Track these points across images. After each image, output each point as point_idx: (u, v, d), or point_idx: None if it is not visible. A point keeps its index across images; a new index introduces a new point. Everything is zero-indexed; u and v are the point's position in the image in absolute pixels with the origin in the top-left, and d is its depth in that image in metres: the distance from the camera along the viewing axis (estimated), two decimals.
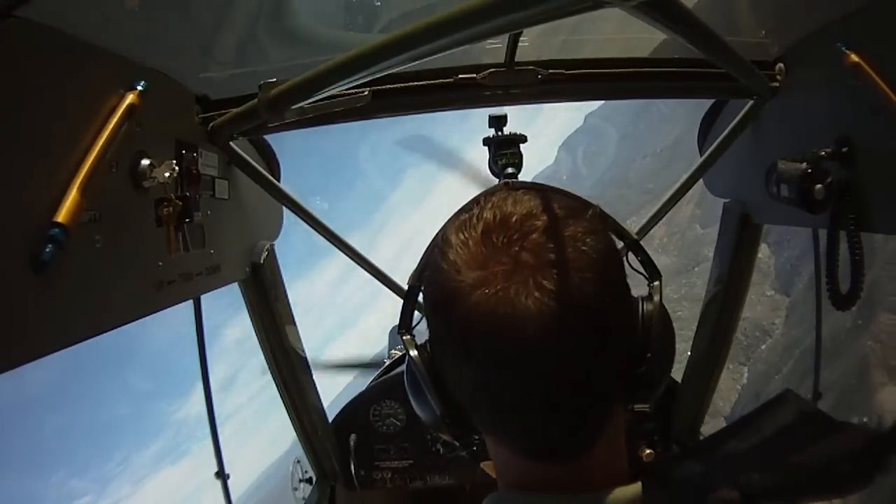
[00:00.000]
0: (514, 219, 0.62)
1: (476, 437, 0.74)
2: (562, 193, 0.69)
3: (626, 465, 0.69)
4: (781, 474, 0.66)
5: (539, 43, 1.50)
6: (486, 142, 1.54)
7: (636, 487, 0.66)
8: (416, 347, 0.76)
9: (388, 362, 2.81)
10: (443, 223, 0.72)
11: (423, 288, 0.73)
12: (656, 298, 0.73)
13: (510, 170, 1.51)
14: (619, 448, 0.69)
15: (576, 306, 0.58)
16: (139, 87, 1.06)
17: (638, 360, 0.68)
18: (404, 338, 0.79)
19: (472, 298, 0.59)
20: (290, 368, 1.92)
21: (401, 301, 0.86)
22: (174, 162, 1.22)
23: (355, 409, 2.18)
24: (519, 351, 0.58)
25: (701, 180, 1.84)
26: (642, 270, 0.87)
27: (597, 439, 0.65)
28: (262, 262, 1.72)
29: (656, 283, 0.79)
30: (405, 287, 0.86)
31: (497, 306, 0.58)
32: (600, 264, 0.62)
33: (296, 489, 2.19)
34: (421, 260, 0.76)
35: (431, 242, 0.72)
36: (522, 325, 0.57)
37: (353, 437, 2.14)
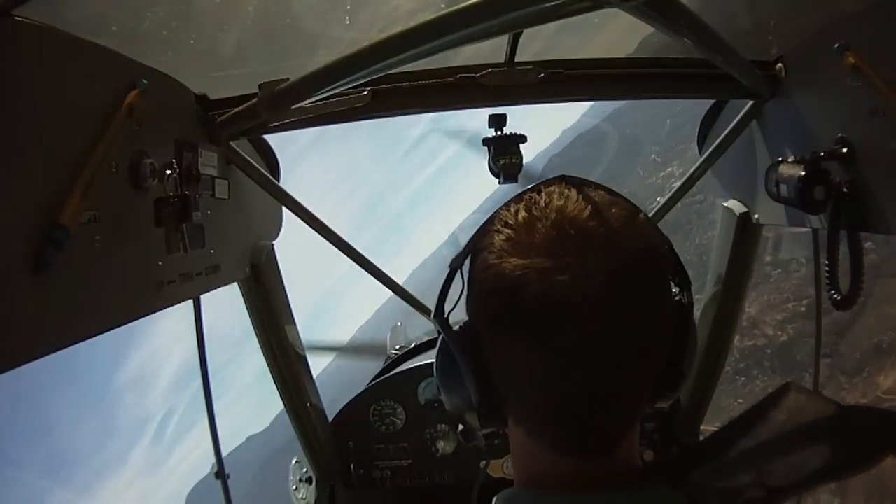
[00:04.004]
0: (585, 212, 0.62)
1: (500, 431, 0.74)
2: (616, 193, 0.70)
3: (640, 465, 0.70)
4: (800, 462, 0.66)
5: (539, 43, 1.50)
6: (486, 142, 1.54)
7: (654, 489, 0.66)
8: (455, 332, 0.73)
9: (388, 361, 2.80)
10: (493, 210, 0.71)
11: (474, 271, 0.70)
12: (687, 302, 0.73)
13: (510, 169, 1.51)
14: (637, 448, 0.70)
15: (640, 302, 0.61)
16: (139, 87, 1.06)
17: (671, 360, 0.69)
18: (441, 321, 0.76)
19: (544, 284, 0.59)
20: (289, 368, 1.92)
21: None
22: (174, 162, 1.22)
23: (355, 408, 2.17)
24: (587, 338, 0.59)
25: (701, 180, 1.84)
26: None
27: (626, 434, 0.66)
28: (261, 262, 1.72)
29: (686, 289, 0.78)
30: (408, 289, 0.85)
31: (571, 294, 0.58)
32: (659, 264, 0.66)
33: (295, 489, 2.18)
34: (468, 244, 0.73)
35: (484, 227, 0.70)
36: (594, 313, 0.59)
37: (350, 444, 2.14)
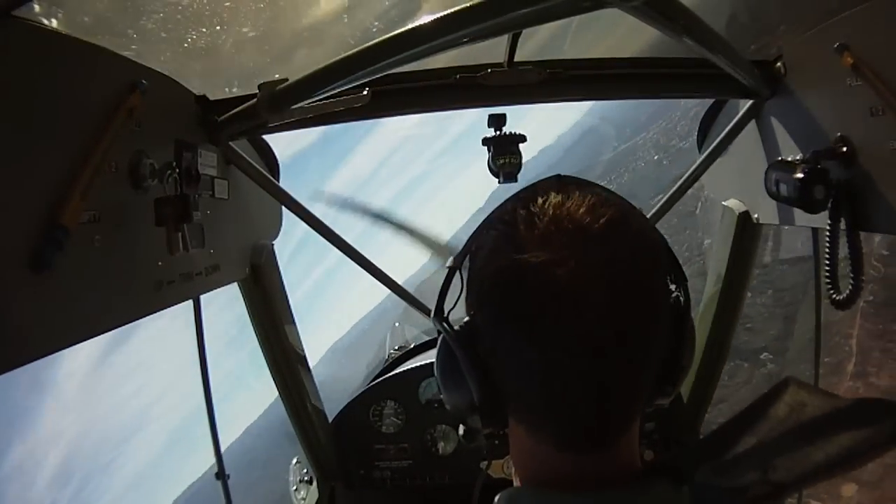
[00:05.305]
0: (582, 209, 0.63)
1: (501, 431, 0.74)
2: (610, 191, 0.71)
3: (639, 464, 0.70)
4: (804, 456, 0.66)
5: (539, 43, 1.50)
6: (486, 141, 1.54)
7: (656, 488, 0.66)
8: (455, 331, 0.73)
9: (388, 361, 2.80)
10: (492, 209, 0.72)
11: (474, 268, 0.71)
12: (683, 298, 0.74)
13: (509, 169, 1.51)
14: (637, 446, 0.70)
15: (637, 297, 0.62)
16: (139, 88, 1.06)
17: (670, 355, 0.70)
18: (441, 321, 0.77)
19: (543, 278, 0.60)
20: (289, 368, 1.92)
21: None
22: (174, 162, 1.22)
23: (355, 408, 2.17)
24: (587, 330, 0.60)
25: (701, 180, 1.84)
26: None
27: (627, 430, 0.67)
28: (261, 262, 1.72)
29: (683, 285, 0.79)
30: (406, 288, 0.85)
31: (570, 285, 0.59)
32: (657, 259, 0.67)
33: (296, 490, 2.18)
34: (468, 243, 0.74)
35: (483, 225, 0.71)
36: (593, 305, 0.59)
37: (350, 444, 2.15)
